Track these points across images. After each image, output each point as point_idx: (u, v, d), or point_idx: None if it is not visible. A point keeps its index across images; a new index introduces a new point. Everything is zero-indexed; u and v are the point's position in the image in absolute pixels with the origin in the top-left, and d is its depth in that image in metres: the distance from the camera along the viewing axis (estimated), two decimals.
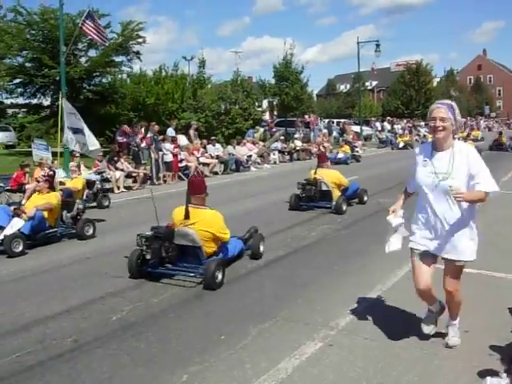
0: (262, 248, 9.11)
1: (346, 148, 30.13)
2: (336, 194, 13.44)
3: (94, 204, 15.62)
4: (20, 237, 9.96)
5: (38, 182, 11.60)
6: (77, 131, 12.45)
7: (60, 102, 13.03)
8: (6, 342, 5.81)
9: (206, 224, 7.97)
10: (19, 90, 32.84)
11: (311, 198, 13.60)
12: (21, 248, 9.82)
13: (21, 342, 5.78)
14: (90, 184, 15.92)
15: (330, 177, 13.66)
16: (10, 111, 46.72)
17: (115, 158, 20.21)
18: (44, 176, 11.51)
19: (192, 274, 7.84)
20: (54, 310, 6.77)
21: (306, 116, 39.93)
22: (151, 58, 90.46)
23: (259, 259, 8.95)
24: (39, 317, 6.55)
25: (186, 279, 7.84)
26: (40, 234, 10.62)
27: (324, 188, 13.51)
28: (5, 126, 40.96)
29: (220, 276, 7.58)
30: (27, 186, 16.42)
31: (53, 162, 18.26)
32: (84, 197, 14.67)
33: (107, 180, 19.27)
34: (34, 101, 32.92)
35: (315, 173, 13.85)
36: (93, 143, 12.57)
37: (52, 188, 11.48)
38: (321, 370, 4.93)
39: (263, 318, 6.26)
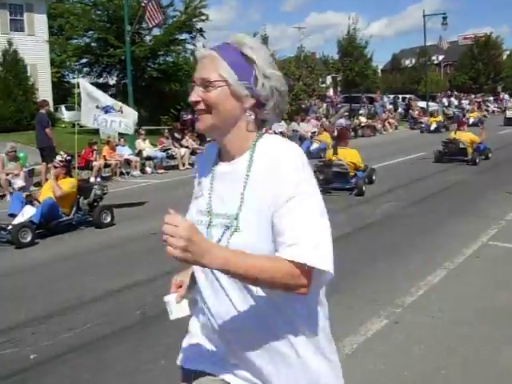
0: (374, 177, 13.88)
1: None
2: (470, 150, 17.34)
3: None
4: (28, 226, 9.39)
5: (55, 167, 10.65)
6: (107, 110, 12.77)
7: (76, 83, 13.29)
8: (77, 314, 6.03)
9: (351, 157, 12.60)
10: (85, 69, 33.51)
11: (452, 153, 17.62)
12: (29, 238, 9.26)
13: (91, 314, 5.99)
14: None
15: (466, 137, 17.53)
16: (77, 90, 47.87)
17: (175, 134, 20.46)
18: (61, 161, 10.63)
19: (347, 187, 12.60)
20: (120, 284, 6.96)
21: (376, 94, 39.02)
22: (214, 35, 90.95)
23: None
24: (107, 290, 6.76)
25: None
26: (53, 223, 10.01)
27: (461, 146, 17.41)
28: (71, 105, 41.97)
29: (364, 187, 12.47)
30: (94, 163, 16.87)
31: (119, 140, 18.71)
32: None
33: (172, 157, 19.59)
34: (100, 80, 33.45)
35: (455, 133, 18.01)
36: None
37: (69, 174, 10.89)
38: (386, 348, 4.91)
39: (328, 293, 6.23)
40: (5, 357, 5.07)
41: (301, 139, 25.04)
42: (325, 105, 34.27)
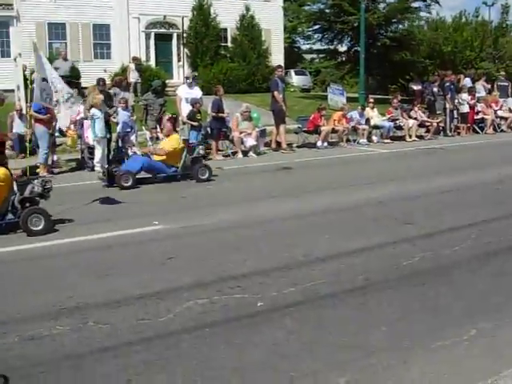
0: None
1: None
2: None
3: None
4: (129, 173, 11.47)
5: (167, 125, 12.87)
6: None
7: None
8: (302, 272, 6.22)
9: None
10: (317, 35, 33.95)
11: None
12: (130, 182, 11.36)
13: (316, 273, 6.15)
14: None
15: None
16: (307, 56, 48.91)
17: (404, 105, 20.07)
18: (168, 119, 13.15)
19: None
20: (348, 247, 7.06)
21: None
22: (450, 3, 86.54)
23: None
24: (333, 252, 6.88)
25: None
26: (158, 175, 12.02)
27: None
28: (301, 70, 42.92)
29: None
30: (322, 128, 17.17)
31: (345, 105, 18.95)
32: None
33: (400, 127, 19.28)
34: (331, 47, 33.72)
35: None
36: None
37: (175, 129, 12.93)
38: None
39: None
40: (234, 301, 5.42)
41: None
42: None
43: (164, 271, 6.31)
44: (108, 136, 13.64)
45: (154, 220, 8.55)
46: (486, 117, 21.32)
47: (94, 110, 13.17)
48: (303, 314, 5.15)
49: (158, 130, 15.29)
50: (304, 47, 47.38)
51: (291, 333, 4.77)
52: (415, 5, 31.83)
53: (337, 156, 15.91)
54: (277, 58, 33.37)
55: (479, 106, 21.42)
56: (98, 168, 12.56)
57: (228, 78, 29.51)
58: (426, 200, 10.01)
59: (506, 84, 24.67)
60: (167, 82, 26.64)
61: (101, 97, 13.42)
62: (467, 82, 23.11)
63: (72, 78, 22.27)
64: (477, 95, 21.77)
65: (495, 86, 24.09)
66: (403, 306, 5.29)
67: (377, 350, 4.44)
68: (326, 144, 17.28)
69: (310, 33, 35.73)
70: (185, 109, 15.51)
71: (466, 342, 4.60)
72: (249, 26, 32.55)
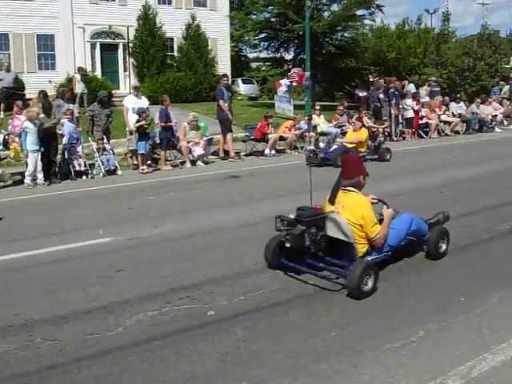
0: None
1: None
2: None
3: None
4: None
5: None
6: None
7: None
8: (252, 280, 6.25)
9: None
10: (263, 44, 34.15)
11: None
12: None
13: (266, 281, 6.19)
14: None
15: None
16: (253, 65, 49.23)
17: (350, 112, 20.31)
18: None
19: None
20: None
21: None
22: (393, 11, 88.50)
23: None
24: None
25: None
26: None
27: None
28: (248, 78, 43.13)
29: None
30: (270, 136, 17.24)
31: (297, 115, 19.00)
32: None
33: (345, 133, 19.48)
34: (277, 55, 33.94)
35: None
36: None
37: None
38: None
39: (506, 284, 5.96)
40: (184, 311, 5.40)
41: (480, 122, 23.88)
42: (507, 86, 32.07)
43: (112, 284, 6.23)
44: (42, 150, 13.46)
45: (100, 232, 8.45)
46: (430, 121, 21.78)
47: (26, 123, 13.10)
48: (254, 322, 5.16)
49: (105, 140, 15.16)
50: (251, 55, 47.70)
51: (242, 341, 4.78)
52: (359, 13, 32.34)
53: (285, 163, 15.98)
54: (223, 66, 33.41)
55: (423, 111, 21.88)
56: (27, 181, 12.65)
57: (175, 88, 29.34)
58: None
59: (438, 89, 25.42)
60: (114, 92, 26.39)
61: (35, 110, 13.33)
62: (411, 87, 23.61)
63: (16, 90, 21.95)
64: (421, 100, 22.25)
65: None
66: (352, 310, 5.36)
67: (327, 355, 4.49)
68: (273, 152, 17.37)
69: (256, 41, 35.89)
70: (131, 119, 15.41)
71: (414, 343, 4.68)
72: (195, 35, 32.49)
